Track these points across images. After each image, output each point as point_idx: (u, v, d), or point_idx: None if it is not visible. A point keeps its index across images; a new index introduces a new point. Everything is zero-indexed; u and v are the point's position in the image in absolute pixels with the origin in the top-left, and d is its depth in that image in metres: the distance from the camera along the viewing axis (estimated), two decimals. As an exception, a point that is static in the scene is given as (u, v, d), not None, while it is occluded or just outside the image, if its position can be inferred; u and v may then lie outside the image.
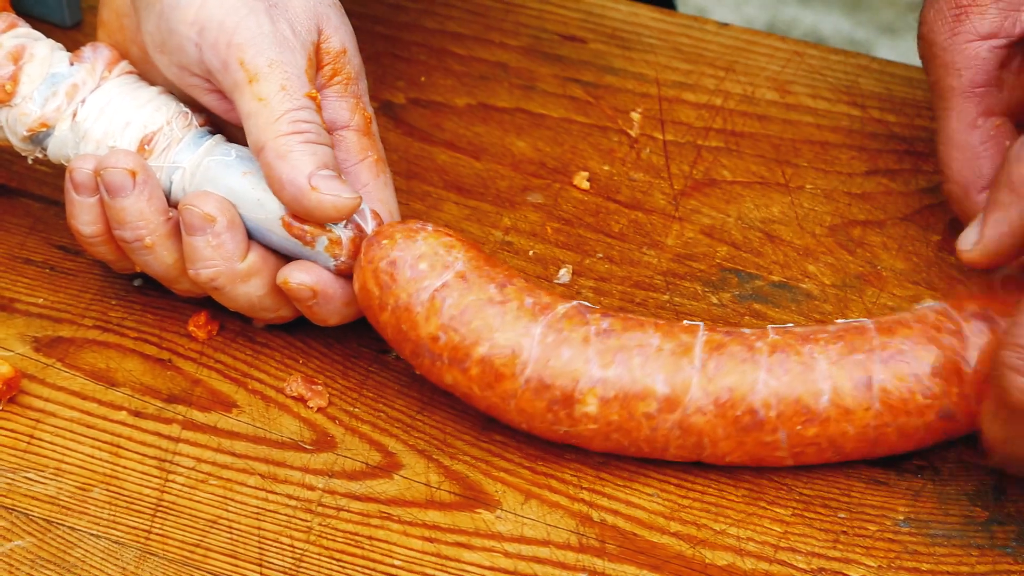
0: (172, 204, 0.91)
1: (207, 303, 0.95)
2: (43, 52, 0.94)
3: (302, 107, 0.88)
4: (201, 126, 0.92)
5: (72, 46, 0.98)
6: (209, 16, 0.88)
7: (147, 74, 0.95)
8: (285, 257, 0.91)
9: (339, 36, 0.91)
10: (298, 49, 0.89)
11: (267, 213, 0.89)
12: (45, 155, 0.94)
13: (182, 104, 0.93)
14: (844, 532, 0.86)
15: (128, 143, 0.91)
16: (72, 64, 0.93)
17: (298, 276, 0.89)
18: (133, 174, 0.89)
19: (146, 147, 0.91)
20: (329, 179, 0.87)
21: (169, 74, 0.91)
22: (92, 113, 0.92)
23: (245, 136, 0.89)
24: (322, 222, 0.88)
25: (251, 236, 0.90)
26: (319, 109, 0.89)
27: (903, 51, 2.51)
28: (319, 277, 0.89)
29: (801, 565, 0.84)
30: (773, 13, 2.57)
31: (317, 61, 0.90)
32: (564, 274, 0.98)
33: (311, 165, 0.87)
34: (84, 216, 0.91)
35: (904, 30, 2.56)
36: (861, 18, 2.59)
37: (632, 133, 1.06)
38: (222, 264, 0.89)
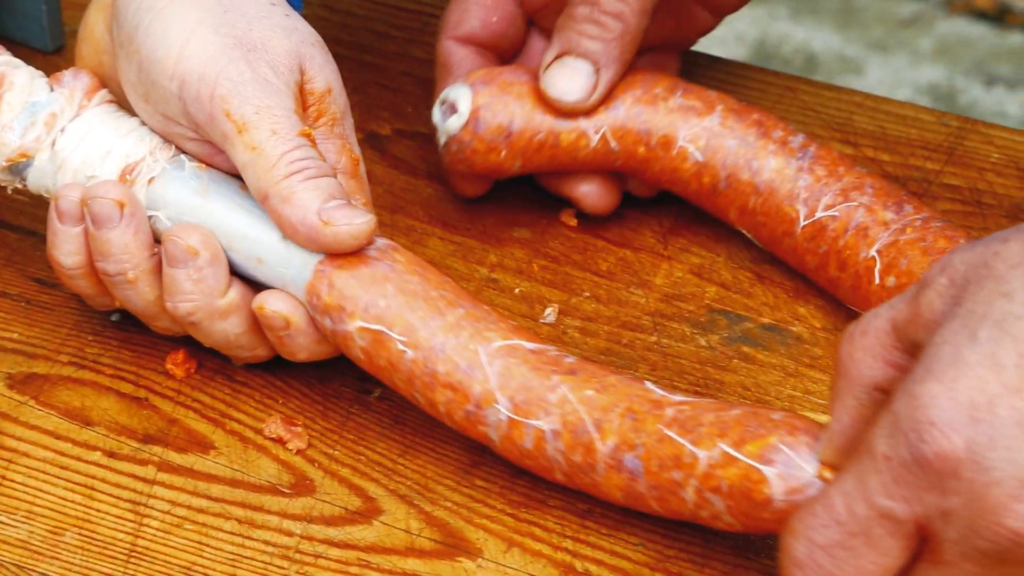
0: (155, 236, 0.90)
1: (185, 340, 0.93)
2: (22, 80, 0.92)
3: (297, 147, 0.86)
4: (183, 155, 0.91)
5: (53, 71, 0.96)
6: (188, 69, 0.86)
7: (127, 106, 0.93)
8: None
9: (323, 76, 0.89)
10: (283, 91, 0.87)
11: (251, 244, 0.87)
12: (24, 185, 0.92)
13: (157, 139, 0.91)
14: (832, 587, 0.84)
15: (109, 172, 0.90)
16: (52, 89, 0.92)
17: (274, 304, 0.87)
18: (121, 205, 0.88)
19: (128, 176, 0.89)
20: (340, 208, 0.85)
21: (153, 123, 0.90)
22: (71, 142, 0.90)
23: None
24: (340, 253, 0.86)
25: (233, 270, 0.89)
26: (314, 144, 0.87)
27: (894, 68, 2.50)
28: (295, 308, 0.87)
29: (788, 621, 0.83)
30: (764, 28, 2.56)
31: (302, 102, 0.88)
32: (550, 314, 0.97)
33: (318, 201, 0.85)
34: (66, 246, 0.89)
35: (895, 47, 2.55)
36: (852, 35, 2.59)
37: (621, 168, 1.04)
38: (201, 299, 0.88)
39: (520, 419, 0.83)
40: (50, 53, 1.11)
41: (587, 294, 0.98)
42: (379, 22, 1.13)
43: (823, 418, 0.86)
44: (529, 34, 1.01)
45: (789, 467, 0.78)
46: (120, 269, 0.88)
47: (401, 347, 0.84)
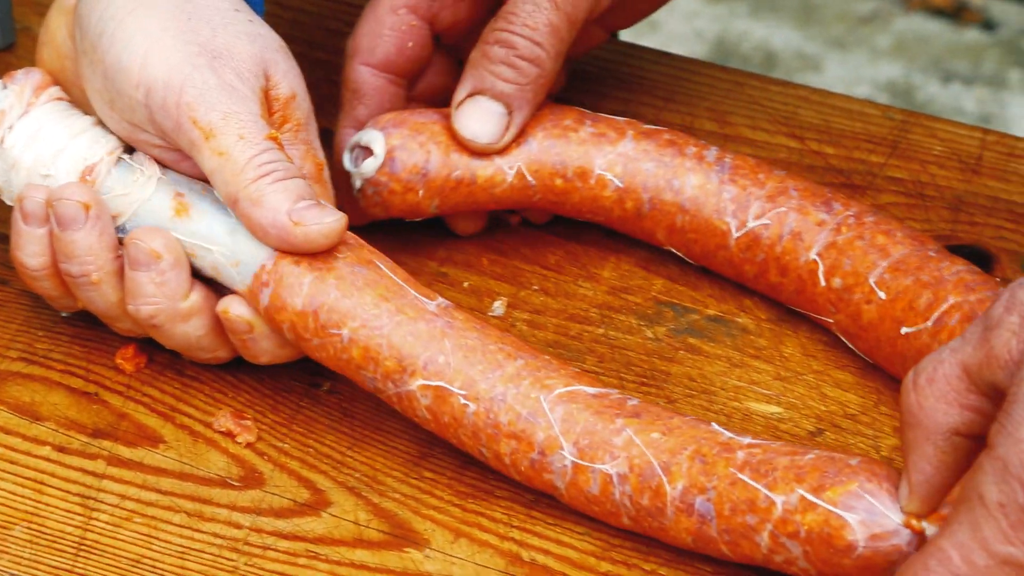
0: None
1: (138, 337, 0.93)
2: (-28, 79, 0.92)
3: (264, 150, 0.86)
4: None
5: (4, 68, 0.96)
6: (153, 77, 0.87)
7: (85, 107, 0.93)
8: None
9: (288, 81, 0.90)
10: (249, 96, 0.87)
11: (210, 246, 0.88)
12: (-26, 183, 0.93)
13: (109, 137, 0.91)
14: (772, 574, 0.85)
15: (64, 172, 0.90)
16: (5, 87, 0.92)
17: (238, 308, 0.88)
18: (87, 207, 0.88)
19: (87, 178, 0.90)
20: (310, 208, 0.86)
21: (119, 129, 0.90)
22: (21, 140, 0.91)
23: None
24: (311, 253, 0.86)
25: (195, 273, 0.89)
26: (281, 148, 0.88)
27: (853, 65, 2.52)
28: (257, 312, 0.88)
29: (731, 608, 0.84)
30: (724, 26, 2.57)
31: (267, 107, 0.89)
32: (499, 307, 0.97)
33: (288, 202, 0.85)
34: (31, 247, 0.89)
35: (854, 44, 2.56)
36: (811, 32, 2.60)
37: (569, 163, 1.05)
38: (163, 302, 0.88)
39: (585, 464, 0.83)
40: (1, 50, 1.11)
41: (535, 287, 0.99)
42: (331, 19, 1.14)
43: (770, 408, 0.87)
44: (434, 52, 1.00)
45: (872, 514, 0.78)
46: (84, 271, 0.89)
47: (463, 401, 0.85)
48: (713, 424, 0.84)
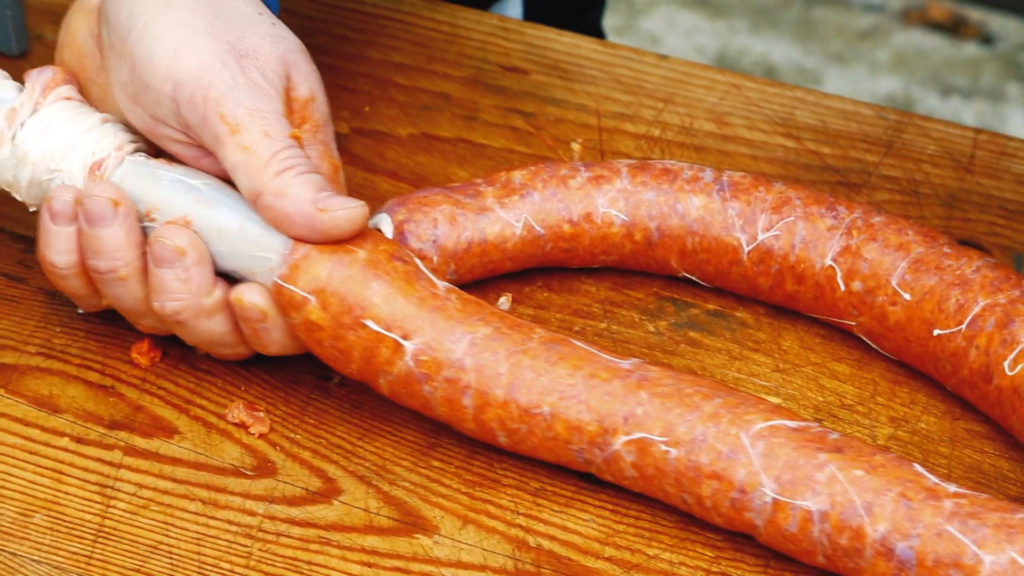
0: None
1: (161, 335, 0.96)
2: (-13, 80, 0.95)
3: (288, 147, 0.89)
4: (149, 154, 0.94)
5: (19, 75, 0.99)
6: (182, 71, 0.89)
7: (104, 106, 0.95)
8: None
9: (308, 83, 0.92)
10: (273, 96, 0.90)
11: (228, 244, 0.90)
12: (-12, 181, 0.95)
13: (129, 131, 0.94)
14: (774, 557, 0.87)
15: (73, 167, 0.92)
16: (21, 89, 0.94)
17: (252, 296, 0.90)
18: (116, 204, 0.90)
19: (96, 173, 0.92)
20: (333, 197, 0.88)
21: (141, 124, 0.92)
22: (31, 136, 0.93)
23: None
24: (335, 240, 0.88)
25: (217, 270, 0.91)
26: (302, 146, 0.90)
27: (852, 79, 2.54)
28: (272, 301, 0.90)
29: (732, 589, 0.86)
30: (724, 42, 2.60)
31: (288, 108, 0.91)
32: (504, 302, 1.00)
33: (311, 192, 0.88)
34: (59, 245, 0.91)
35: (853, 59, 2.59)
36: (811, 47, 2.63)
37: (572, 163, 1.07)
38: (188, 298, 0.90)
39: (786, 500, 0.83)
40: (16, 57, 1.14)
41: (539, 283, 1.01)
42: (336, 25, 1.16)
43: (769, 399, 0.89)
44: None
45: None
46: (112, 267, 0.91)
47: (664, 448, 0.85)
48: (916, 465, 0.83)
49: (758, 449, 0.84)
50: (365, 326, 0.88)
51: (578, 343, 0.88)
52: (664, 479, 0.86)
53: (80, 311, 0.98)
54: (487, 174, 1.06)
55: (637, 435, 0.85)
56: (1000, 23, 2.64)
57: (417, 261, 0.90)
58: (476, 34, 1.15)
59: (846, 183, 1.06)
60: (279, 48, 0.92)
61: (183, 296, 0.90)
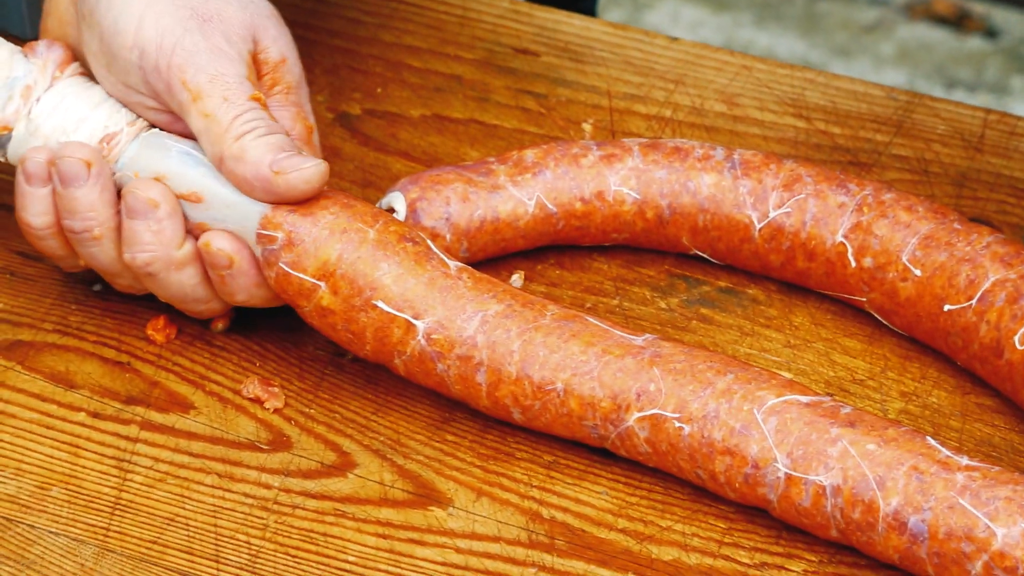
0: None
1: (166, 307, 0.97)
2: (3, 56, 0.96)
3: (247, 110, 0.90)
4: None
5: (33, 57, 1.00)
6: (146, 39, 0.90)
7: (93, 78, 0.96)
8: None
9: (277, 46, 0.93)
10: (235, 59, 0.91)
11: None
12: (5, 157, 0.96)
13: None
14: (786, 528, 0.88)
15: (84, 139, 0.93)
16: (27, 57, 0.95)
17: (219, 242, 0.91)
18: (88, 164, 0.91)
19: (105, 145, 0.93)
20: (289, 158, 0.89)
21: (115, 91, 0.93)
22: (45, 111, 0.94)
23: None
24: (298, 201, 0.89)
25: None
26: (265, 107, 0.91)
27: (857, 73, 2.54)
28: (239, 249, 0.91)
29: (744, 560, 0.87)
30: (729, 35, 2.60)
31: (257, 71, 0.92)
32: (516, 279, 1.00)
33: (269, 155, 0.89)
34: (35, 207, 0.93)
35: (857, 52, 2.59)
36: (816, 40, 2.63)
37: (583, 143, 1.08)
38: (159, 249, 0.91)
39: (799, 475, 0.83)
40: (29, 39, 1.14)
41: (552, 261, 1.02)
42: (350, 8, 1.17)
43: (781, 374, 0.90)
44: None
45: None
46: (86, 226, 0.92)
47: (677, 424, 0.86)
48: (928, 438, 0.83)
49: (771, 424, 0.84)
50: (376, 307, 0.88)
51: (591, 319, 0.89)
52: (678, 455, 0.86)
53: (95, 288, 0.99)
54: (499, 154, 1.06)
55: (650, 411, 0.86)
56: (1004, 17, 2.64)
57: (428, 241, 0.90)
58: (488, 17, 1.16)
59: (856, 163, 1.07)
60: (246, 12, 0.92)
61: (154, 248, 0.91)
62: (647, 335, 0.89)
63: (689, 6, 2.59)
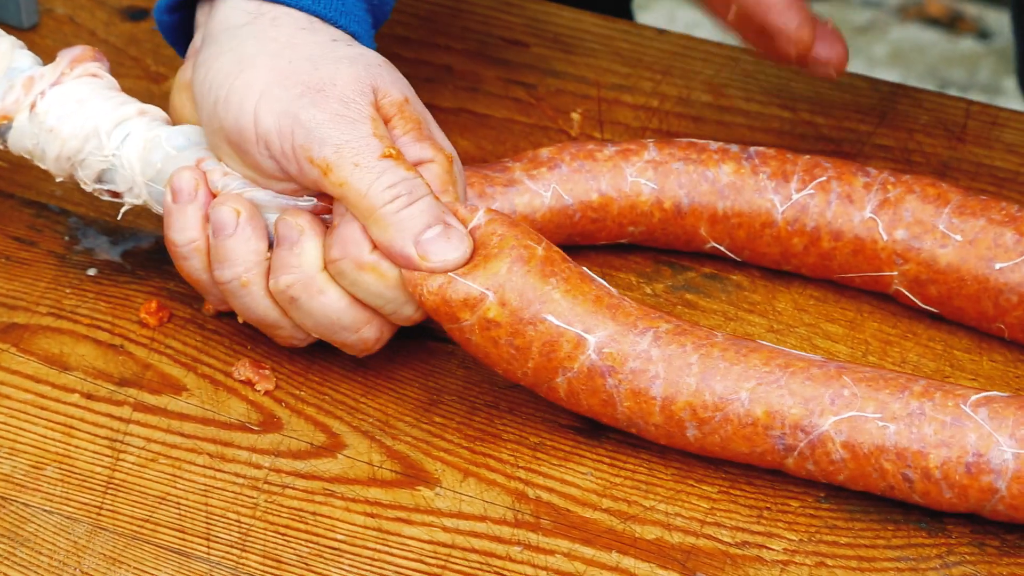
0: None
1: (158, 290, 0.98)
2: (3, 48, 0.97)
3: (382, 173, 0.89)
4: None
5: (29, 47, 1.01)
6: (267, 130, 0.90)
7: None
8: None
9: (397, 88, 0.92)
10: (357, 119, 0.90)
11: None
12: (6, 147, 0.97)
13: (150, 107, 0.96)
14: (767, 508, 0.89)
15: (91, 132, 0.94)
16: (38, 62, 0.97)
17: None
18: (238, 214, 0.91)
19: (110, 137, 0.94)
20: (435, 241, 0.88)
21: (260, 183, 0.92)
22: (54, 107, 0.95)
23: None
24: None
25: None
26: (400, 159, 0.89)
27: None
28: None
29: (726, 539, 0.88)
30: (724, 37, 2.62)
31: (384, 118, 0.91)
32: (504, 266, 1.02)
33: (413, 230, 0.88)
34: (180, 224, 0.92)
35: (851, 54, 2.61)
36: (809, 41, 2.64)
37: (572, 133, 1.10)
38: (300, 272, 0.90)
39: None
40: (25, 30, 1.16)
41: (539, 248, 1.03)
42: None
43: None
44: None
45: None
46: (235, 274, 0.91)
47: (881, 424, 0.85)
48: None
49: (982, 414, 0.84)
50: (546, 320, 0.87)
51: (764, 343, 0.89)
52: (882, 455, 0.85)
53: (90, 273, 1.00)
54: (490, 144, 1.08)
55: (847, 414, 0.85)
56: (996, 18, 2.66)
57: (585, 268, 0.91)
58: (479, 8, 1.17)
59: (840, 152, 1.08)
60: (357, 67, 0.91)
61: (295, 270, 0.90)
62: (817, 355, 0.89)
63: (684, 7, 2.61)
